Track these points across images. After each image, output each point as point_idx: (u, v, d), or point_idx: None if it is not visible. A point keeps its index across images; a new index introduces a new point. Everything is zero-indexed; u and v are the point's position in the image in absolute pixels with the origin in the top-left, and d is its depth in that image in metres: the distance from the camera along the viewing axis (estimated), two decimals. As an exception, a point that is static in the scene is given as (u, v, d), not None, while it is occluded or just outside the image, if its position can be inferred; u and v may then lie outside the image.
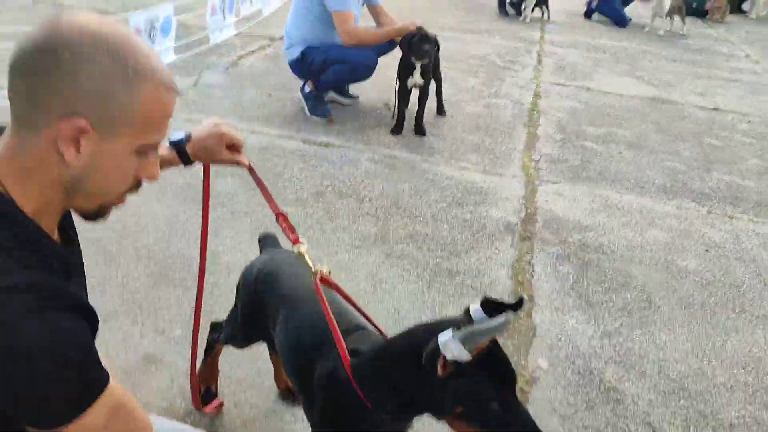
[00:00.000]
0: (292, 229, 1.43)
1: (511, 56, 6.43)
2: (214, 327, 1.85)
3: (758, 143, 4.70)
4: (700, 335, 2.52)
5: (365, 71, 4.09)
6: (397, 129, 4.17)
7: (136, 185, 1.01)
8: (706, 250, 3.14)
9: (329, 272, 1.38)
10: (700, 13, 10.00)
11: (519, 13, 8.55)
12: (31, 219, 0.92)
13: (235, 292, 1.72)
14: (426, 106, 4.19)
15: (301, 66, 4.18)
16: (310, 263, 1.36)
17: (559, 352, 2.34)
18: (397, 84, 4.16)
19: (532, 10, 8.23)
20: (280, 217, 1.46)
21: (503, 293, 2.64)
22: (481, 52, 6.44)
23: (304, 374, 1.29)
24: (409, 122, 4.20)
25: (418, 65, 3.99)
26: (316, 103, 4.25)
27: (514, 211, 3.33)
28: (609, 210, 3.47)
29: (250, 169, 1.52)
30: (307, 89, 4.28)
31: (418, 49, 3.86)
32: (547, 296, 2.66)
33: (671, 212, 3.49)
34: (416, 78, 4.05)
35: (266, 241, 1.76)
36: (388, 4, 4.39)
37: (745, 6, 10.91)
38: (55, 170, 0.92)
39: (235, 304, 1.71)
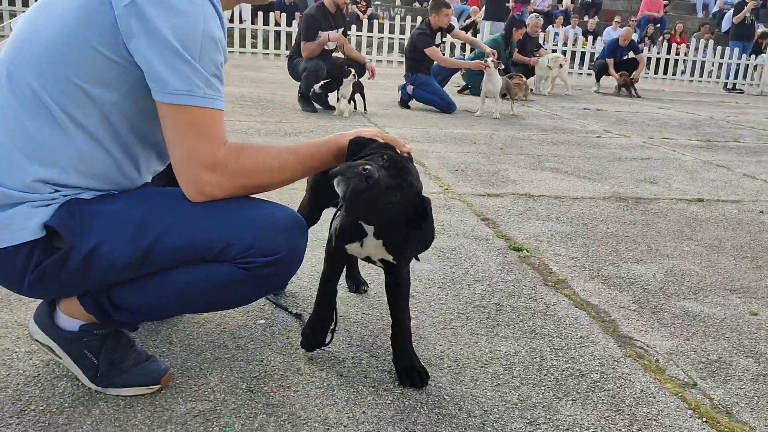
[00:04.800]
0: None
1: (378, 162, 4.21)
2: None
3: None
4: None
5: (282, 277, 1.46)
6: (312, 340, 1.65)
7: None
8: None
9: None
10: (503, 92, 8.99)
11: (325, 105, 6.48)
12: None
13: None
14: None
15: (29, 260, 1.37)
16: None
17: None
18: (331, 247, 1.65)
19: (349, 101, 6.20)
20: None
21: None
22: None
23: None
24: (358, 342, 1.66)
25: (370, 232, 1.54)
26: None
27: None
28: None
29: None
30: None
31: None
32: None
33: None
34: (367, 248, 1.58)
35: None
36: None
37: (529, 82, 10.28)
38: None
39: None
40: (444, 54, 9.52)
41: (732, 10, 16.28)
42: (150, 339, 1.75)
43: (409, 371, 1.63)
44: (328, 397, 1.55)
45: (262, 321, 1.91)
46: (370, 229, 1.54)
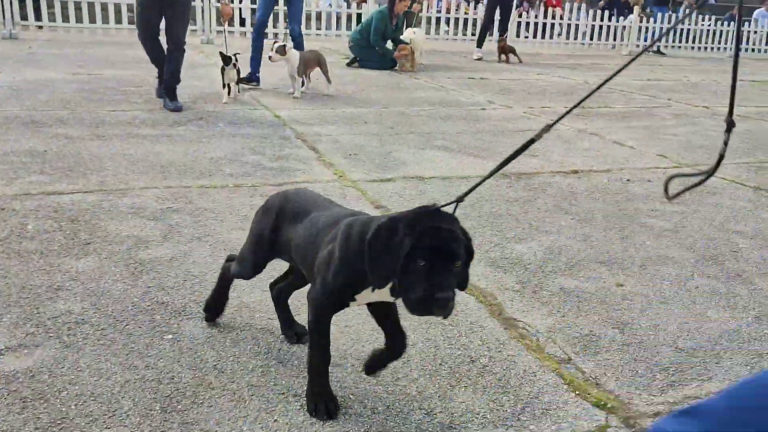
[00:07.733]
0: None
1: (272, 149, 4.24)
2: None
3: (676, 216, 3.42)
4: None
5: None
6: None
7: None
8: None
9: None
10: (391, 64, 9.14)
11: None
12: None
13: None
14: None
15: None
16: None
17: None
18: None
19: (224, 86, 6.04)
20: None
21: None
22: (221, 154, 4.10)
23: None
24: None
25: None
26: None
27: None
28: None
29: None
30: None
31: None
32: None
33: None
34: (378, 292, 1.57)
35: None
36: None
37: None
38: None
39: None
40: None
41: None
42: (56, 367, 1.77)
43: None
44: (241, 409, 1.65)
45: (169, 336, 1.97)
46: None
